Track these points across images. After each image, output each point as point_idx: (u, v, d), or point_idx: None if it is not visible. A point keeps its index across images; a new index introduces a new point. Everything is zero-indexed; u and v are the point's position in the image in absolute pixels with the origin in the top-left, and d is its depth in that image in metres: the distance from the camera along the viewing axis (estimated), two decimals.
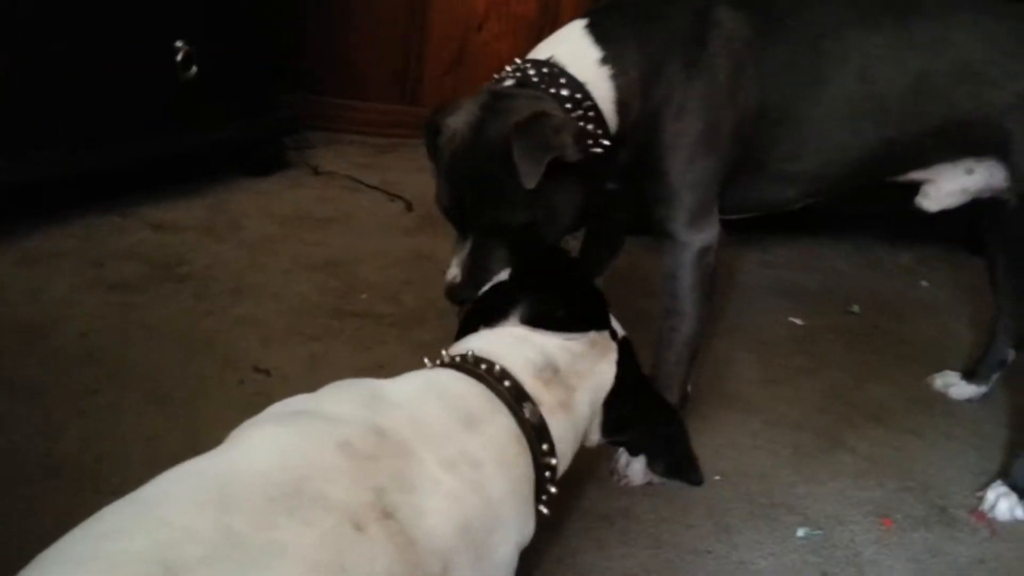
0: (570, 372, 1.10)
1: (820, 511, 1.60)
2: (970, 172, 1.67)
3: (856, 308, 2.39)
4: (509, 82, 1.47)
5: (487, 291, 1.25)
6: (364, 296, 2.09)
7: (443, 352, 1.10)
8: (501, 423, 0.99)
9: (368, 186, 2.69)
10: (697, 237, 1.58)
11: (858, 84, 1.55)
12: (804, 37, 1.56)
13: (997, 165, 1.63)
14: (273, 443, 0.83)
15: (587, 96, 1.45)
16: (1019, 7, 1.61)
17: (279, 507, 0.76)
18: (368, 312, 2.03)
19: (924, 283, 2.60)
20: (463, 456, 0.92)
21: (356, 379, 1.01)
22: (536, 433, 1.02)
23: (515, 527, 0.96)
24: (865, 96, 1.56)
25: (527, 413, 1.02)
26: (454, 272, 1.43)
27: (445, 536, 0.85)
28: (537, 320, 1.12)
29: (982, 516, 1.64)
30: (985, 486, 1.69)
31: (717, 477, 1.65)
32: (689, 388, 1.71)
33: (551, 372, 1.08)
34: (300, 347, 1.86)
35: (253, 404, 1.58)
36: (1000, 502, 1.64)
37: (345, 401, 0.94)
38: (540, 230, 1.40)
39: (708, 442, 1.73)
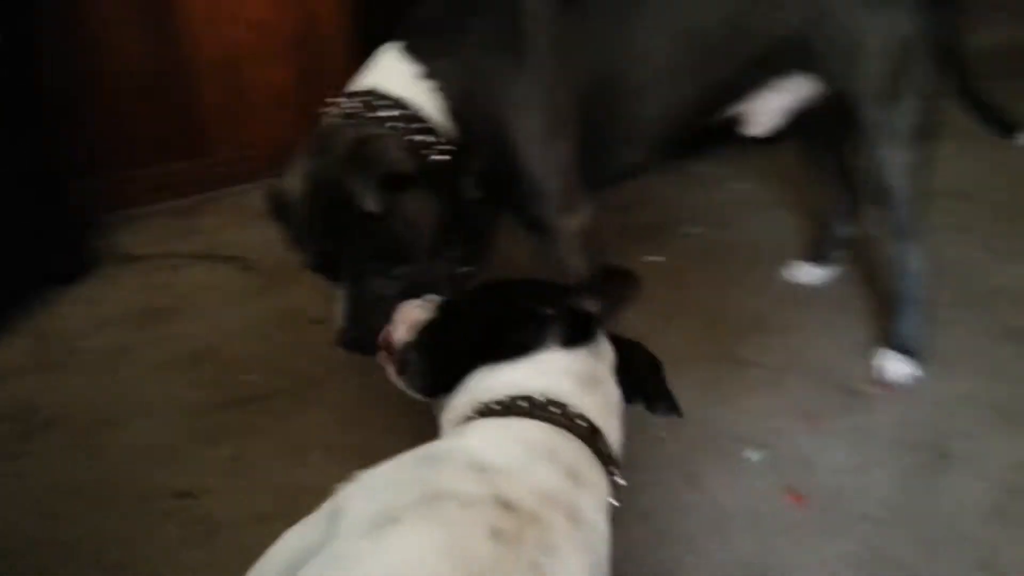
0: (599, 368, 1.14)
1: (757, 430, 1.73)
2: (780, 90, 1.82)
3: (693, 229, 2.55)
4: (331, 120, 1.49)
5: (480, 322, 1.20)
6: (250, 377, 1.99)
7: (491, 397, 1.09)
8: (595, 470, 1.04)
9: (194, 257, 2.53)
10: (572, 219, 1.64)
11: (676, 37, 1.66)
12: (614, 4, 1.63)
13: (801, 77, 1.78)
14: (430, 543, 0.86)
15: (411, 111, 1.47)
16: None
17: None
18: (261, 391, 1.95)
19: (731, 185, 2.79)
20: (578, 509, 0.97)
21: (423, 450, 1.02)
22: (608, 458, 1.07)
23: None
24: (685, 46, 1.66)
25: (601, 446, 1.06)
26: (339, 322, 1.47)
27: None
28: (574, 340, 1.12)
29: (883, 385, 1.83)
30: (872, 356, 1.88)
31: (663, 434, 1.74)
32: None
33: (593, 381, 1.12)
34: (210, 453, 1.77)
35: (196, 533, 1.51)
36: (890, 367, 1.85)
37: (454, 480, 0.94)
38: (408, 250, 1.44)
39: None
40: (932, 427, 1.71)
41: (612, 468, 1.08)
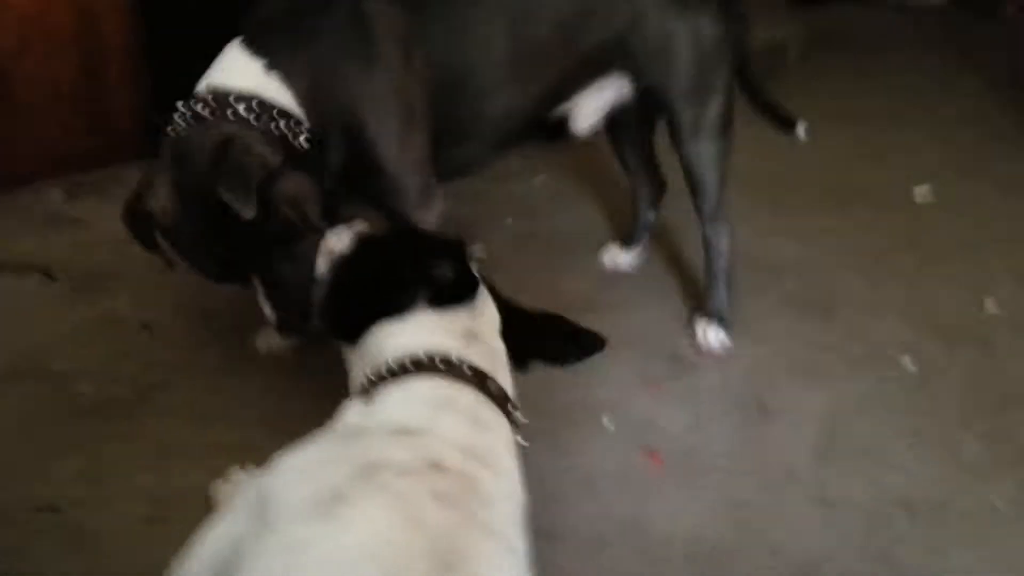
0: (479, 324, 1.22)
1: (606, 399, 1.90)
2: (601, 90, 1.99)
3: (510, 220, 2.69)
4: (180, 129, 1.48)
5: (356, 283, 1.27)
6: (83, 387, 1.88)
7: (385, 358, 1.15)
8: (492, 411, 1.13)
9: None
10: (429, 213, 1.73)
11: (512, 42, 1.78)
12: (451, 10, 1.73)
13: (620, 76, 1.97)
14: (384, 516, 0.91)
15: (265, 103, 1.49)
16: None
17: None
18: (101, 400, 1.85)
19: (539, 179, 2.97)
20: (494, 456, 1.07)
21: (339, 427, 1.07)
22: (504, 398, 1.16)
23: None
24: (520, 51, 1.79)
25: (492, 388, 1.15)
26: (268, 314, 1.52)
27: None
28: (444, 301, 1.20)
29: (704, 351, 2.06)
30: (691, 326, 2.12)
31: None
32: None
33: (471, 335, 1.19)
34: (62, 465, 1.67)
35: (73, 544, 1.44)
36: (708, 334, 2.09)
37: (383, 449, 0.99)
38: (298, 231, 1.48)
39: None
40: (749, 385, 1.96)
41: (510, 407, 1.17)
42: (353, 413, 1.10)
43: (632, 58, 1.90)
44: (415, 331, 1.17)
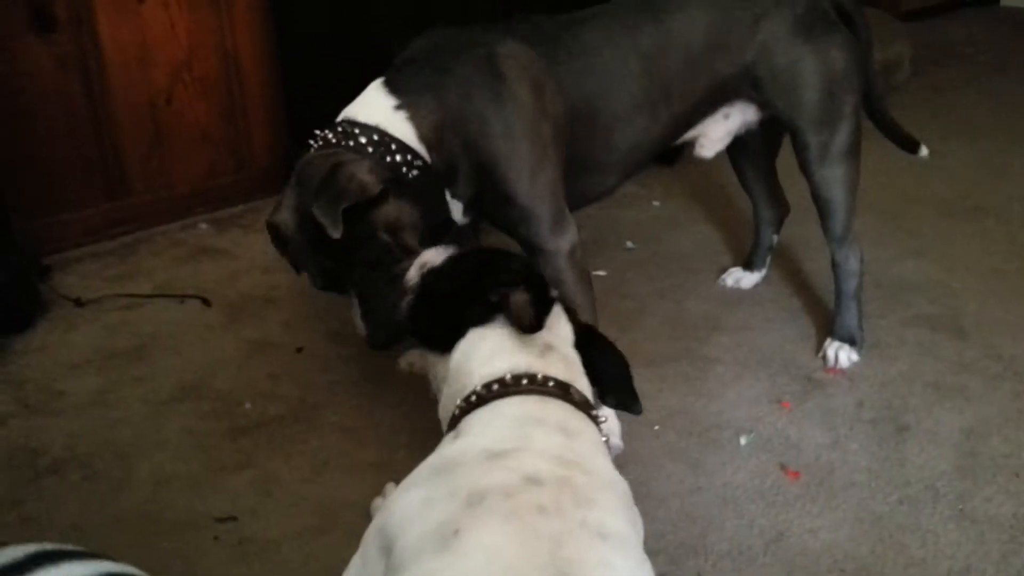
0: (551, 337, 1.27)
1: (740, 417, 1.95)
2: (727, 117, 2.05)
3: (630, 244, 2.76)
4: (311, 153, 1.65)
5: (442, 291, 1.35)
6: (248, 406, 2.03)
7: (473, 382, 1.21)
8: (579, 418, 1.17)
9: (147, 296, 2.51)
10: (563, 240, 1.81)
11: (643, 78, 1.85)
12: (585, 51, 1.83)
13: (746, 104, 2.02)
14: (500, 539, 0.96)
15: (385, 135, 1.63)
16: None
17: None
18: (265, 418, 1.99)
19: (656, 203, 3.04)
20: (584, 460, 1.10)
21: (435, 462, 1.12)
22: (586, 404, 1.21)
23: None
24: (650, 85, 1.86)
25: (575, 396, 1.19)
26: (360, 327, 1.67)
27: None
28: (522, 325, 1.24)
29: (834, 370, 2.09)
30: (820, 347, 2.14)
31: (656, 427, 1.92)
32: None
33: (547, 348, 1.25)
34: (234, 479, 1.80)
35: (246, 553, 1.56)
36: (839, 355, 2.11)
37: (482, 476, 1.04)
38: (396, 252, 1.62)
39: None
40: (885, 404, 1.98)
41: (592, 412, 1.20)
42: (448, 446, 1.15)
43: (760, 87, 1.96)
44: (497, 349, 1.23)
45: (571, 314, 1.34)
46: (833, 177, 2.02)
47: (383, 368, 2.10)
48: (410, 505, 1.05)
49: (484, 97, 1.69)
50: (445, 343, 1.29)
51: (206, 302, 2.47)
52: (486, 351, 1.24)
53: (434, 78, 1.69)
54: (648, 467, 1.81)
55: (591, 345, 1.32)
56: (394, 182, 1.61)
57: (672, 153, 2.10)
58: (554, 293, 1.31)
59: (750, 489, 1.75)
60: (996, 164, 3.20)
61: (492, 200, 1.76)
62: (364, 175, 1.56)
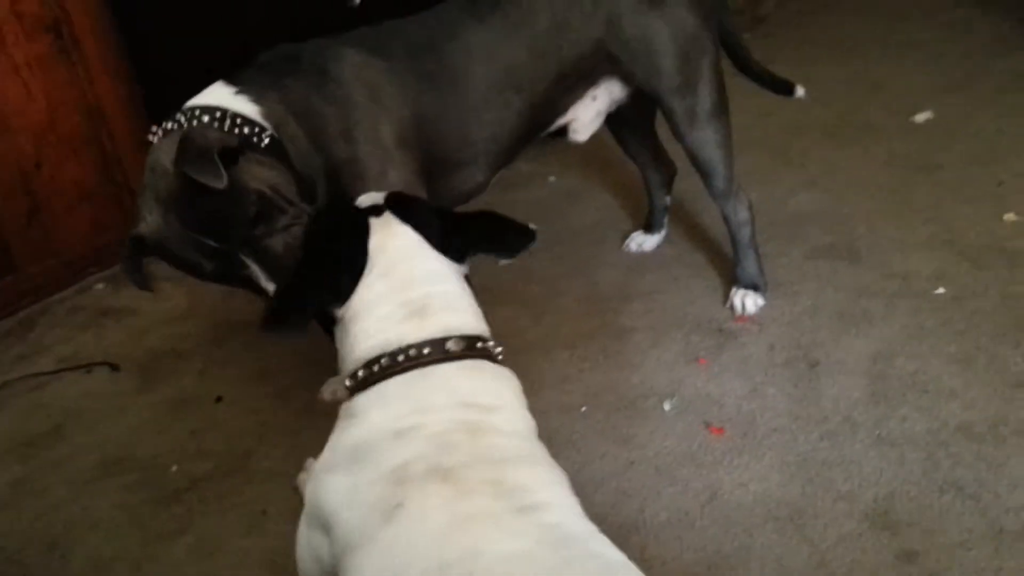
0: (418, 287, 1.22)
1: (662, 383, 1.99)
2: (595, 98, 2.07)
3: (532, 225, 2.76)
4: (153, 147, 1.57)
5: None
6: (175, 468, 2.00)
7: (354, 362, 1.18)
8: (467, 365, 1.18)
9: (53, 372, 2.44)
10: None
11: (488, 68, 1.85)
12: (427, 49, 1.82)
13: (609, 81, 2.03)
14: (441, 496, 1.01)
15: (228, 111, 1.58)
16: None
17: None
18: (194, 478, 1.96)
19: (552, 179, 3.05)
20: (486, 397, 1.15)
21: (345, 450, 1.13)
22: (472, 343, 1.20)
23: None
24: (498, 75, 1.86)
25: (454, 347, 1.17)
26: (272, 292, 1.51)
27: None
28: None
29: (743, 319, 2.14)
30: (727, 297, 2.19)
31: (584, 408, 1.95)
32: None
33: (421, 309, 1.20)
34: (176, 547, 1.78)
35: None
36: (746, 302, 2.16)
37: (395, 452, 1.07)
38: (275, 200, 1.51)
39: (552, 389, 2.01)
40: (795, 343, 2.04)
41: (481, 345, 1.19)
42: (351, 429, 1.14)
43: (616, 62, 1.97)
44: (366, 318, 1.19)
45: (423, 217, 1.26)
46: (705, 138, 2.05)
47: (307, 404, 2.08)
48: (337, 491, 1.09)
49: (320, 101, 1.68)
50: (342, 281, 1.22)
51: (114, 367, 2.41)
52: (359, 324, 1.19)
53: (274, 77, 1.68)
54: (582, 451, 1.84)
55: (456, 227, 1.27)
56: (247, 146, 1.54)
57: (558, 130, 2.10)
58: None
59: (680, 454, 1.79)
60: (870, 80, 3.29)
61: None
62: (215, 134, 1.51)
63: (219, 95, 1.63)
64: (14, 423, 2.26)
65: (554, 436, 1.86)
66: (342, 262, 1.22)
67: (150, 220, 1.50)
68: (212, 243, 1.48)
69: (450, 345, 1.17)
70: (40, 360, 2.51)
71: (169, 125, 1.59)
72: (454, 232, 1.27)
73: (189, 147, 1.43)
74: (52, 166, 2.82)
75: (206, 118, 1.56)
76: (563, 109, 2.03)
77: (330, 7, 2.66)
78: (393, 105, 1.75)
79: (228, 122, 1.56)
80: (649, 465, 1.77)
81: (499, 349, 1.22)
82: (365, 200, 1.31)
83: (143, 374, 2.36)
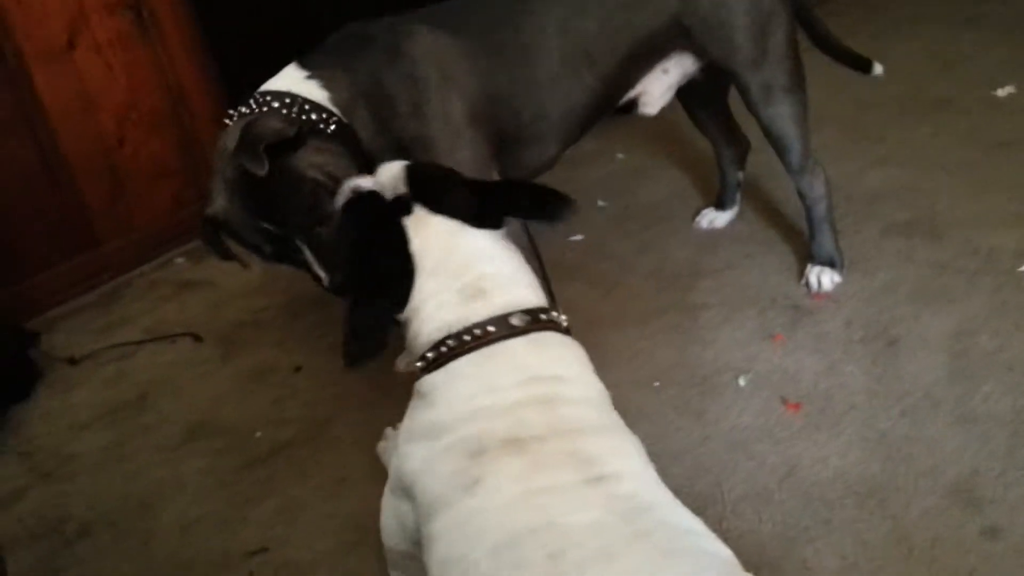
0: (473, 266, 1.24)
1: (736, 359, 1.99)
2: (666, 72, 2.06)
3: (601, 202, 2.78)
4: (225, 130, 1.65)
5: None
6: (259, 434, 2.06)
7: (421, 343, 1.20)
8: (534, 338, 1.19)
9: (138, 343, 2.52)
10: None
11: (561, 40, 1.86)
12: (497, 25, 1.84)
13: (682, 55, 2.02)
14: (518, 470, 1.04)
15: (298, 97, 1.64)
16: None
17: None
18: (278, 444, 2.02)
19: (620, 156, 3.05)
20: (555, 368, 1.18)
21: (419, 430, 1.17)
22: (536, 315, 1.22)
23: None
24: (571, 48, 1.87)
25: (518, 322, 1.19)
26: (324, 279, 1.62)
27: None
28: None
29: (819, 296, 2.13)
30: (802, 275, 2.17)
31: (656, 383, 1.95)
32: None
33: (477, 290, 1.22)
34: (258, 510, 1.84)
35: None
36: (822, 279, 2.14)
37: (469, 429, 1.10)
38: (332, 190, 1.54)
39: (624, 364, 2.02)
40: (873, 320, 2.01)
41: (545, 315, 1.19)
42: (423, 412, 1.17)
43: (691, 36, 1.96)
44: (430, 299, 1.20)
45: (458, 198, 1.27)
46: (781, 114, 2.03)
47: (383, 375, 2.12)
48: (417, 458, 1.14)
49: (391, 80, 1.72)
50: (396, 291, 1.22)
51: (197, 338, 2.49)
52: (420, 316, 1.21)
53: (344, 59, 1.73)
54: (656, 424, 1.85)
55: (490, 195, 1.28)
56: (312, 133, 1.61)
57: (626, 105, 2.10)
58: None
59: (756, 429, 1.79)
60: (943, 54, 3.21)
61: None
62: (276, 123, 1.57)
63: (291, 79, 1.68)
64: (101, 392, 2.35)
65: (627, 410, 1.81)
66: (392, 278, 1.23)
67: (218, 202, 1.60)
68: (270, 227, 1.57)
69: (514, 320, 1.18)
70: (124, 331, 2.60)
71: (243, 109, 1.65)
72: (488, 201, 1.27)
73: (245, 136, 1.51)
74: (134, 144, 2.90)
75: (276, 104, 1.63)
76: (634, 82, 2.03)
77: None
78: (464, 82, 1.77)
79: (296, 108, 1.62)
80: (725, 440, 1.78)
81: (564, 319, 1.24)
82: (385, 182, 1.29)
83: (224, 345, 2.43)
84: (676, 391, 1.93)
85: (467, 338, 1.17)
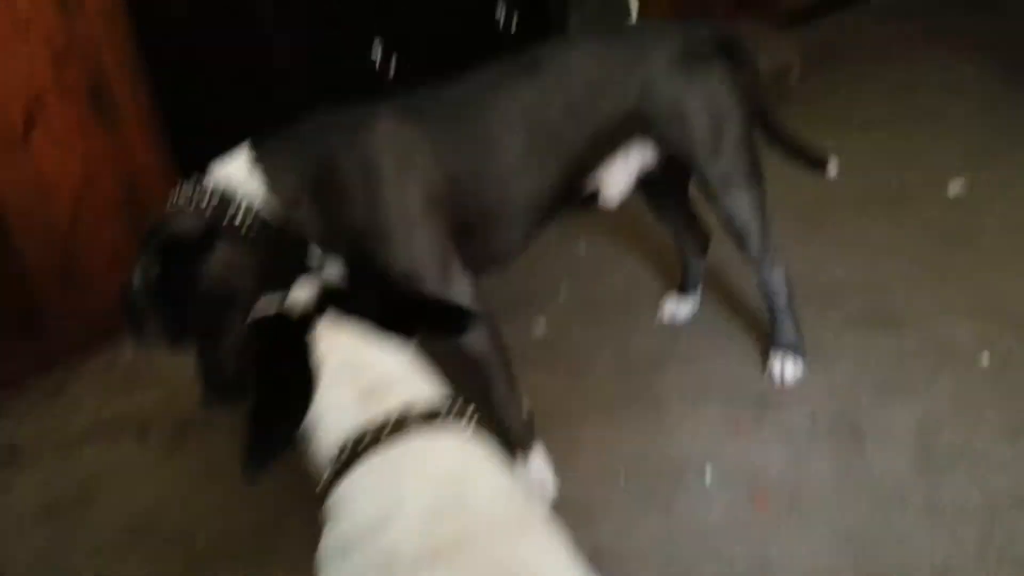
0: (368, 370, 1.22)
1: (702, 452, 1.94)
2: (626, 161, 2.06)
3: (564, 292, 2.76)
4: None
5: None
6: (201, 538, 1.96)
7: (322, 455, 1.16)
8: (431, 440, 1.14)
9: (82, 436, 2.41)
10: (453, 292, 1.77)
11: (526, 129, 1.86)
12: (462, 110, 1.84)
13: (642, 145, 2.03)
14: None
15: (232, 193, 1.64)
16: (619, 30, 2.02)
17: None
18: (221, 550, 1.92)
19: (582, 246, 3.05)
20: (463, 468, 1.12)
21: (335, 551, 1.09)
22: (433, 415, 1.17)
23: None
24: (536, 135, 1.87)
25: (412, 423, 1.14)
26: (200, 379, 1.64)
27: None
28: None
29: (784, 387, 2.10)
30: (765, 364, 2.15)
31: (621, 477, 1.90)
32: (526, 414, 1.91)
33: (372, 391, 1.19)
34: None
35: None
36: (784, 370, 2.12)
37: (384, 543, 1.02)
38: (229, 301, 1.60)
39: (589, 457, 1.96)
40: (838, 412, 1.99)
41: (442, 415, 1.14)
42: (331, 533, 1.11)
43: (650, 126, 1.97)
44: (324, 411, 1.17)
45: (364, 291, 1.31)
46: (739, 204, 2.03)
47: None
48: None
49: (346, 168, 1.70)
50: (295, 409, 1.19)
51: (143, 432, 2.39)
52: (319, 428, 1.17)
53: (299, 146, 1.72)
54: (622, 520, 1.79)
55: (400, 309, 1.30)
56: (228, 236, 1.61)
57: (588, 196, 2.10)
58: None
59: (725, 527, 1.73)
60: (899, 152, 3.29)
61: (370, 266, 1.75)
62: (186, 225, 1.59)
63: (236, 168, 1.68)
64: (40, 487, 2.23)
65: (592, 505, 1.82)
66: (291, 391, 1.19)
67: (134, 280, 1.60)
68: (170, 319, 1.59)
69: (412, 420, 1.13)
70: (68, 424, 2.49)
71: (185, 189, 1.66)
72: (398, 314, 1.29)
73: (152, 235, 1.57)
74: (87, 230, 2.84)
75: (208, 195, 1.63)
76: (597, 171, 2.03)
77: (364, 74, 2.71)
78: (425, 168, 1.76)
79: (224, 205, 1.62)
80: (694, 538, 1.72)
81: (469, 411, 1.19)
82: (296, 300, 1.29)
83: (171, 440, 2.34)
84: (642, 485, 1.88)
85: (366, 444, 1.11)
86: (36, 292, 2.75)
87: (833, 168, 2.15)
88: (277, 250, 1.67)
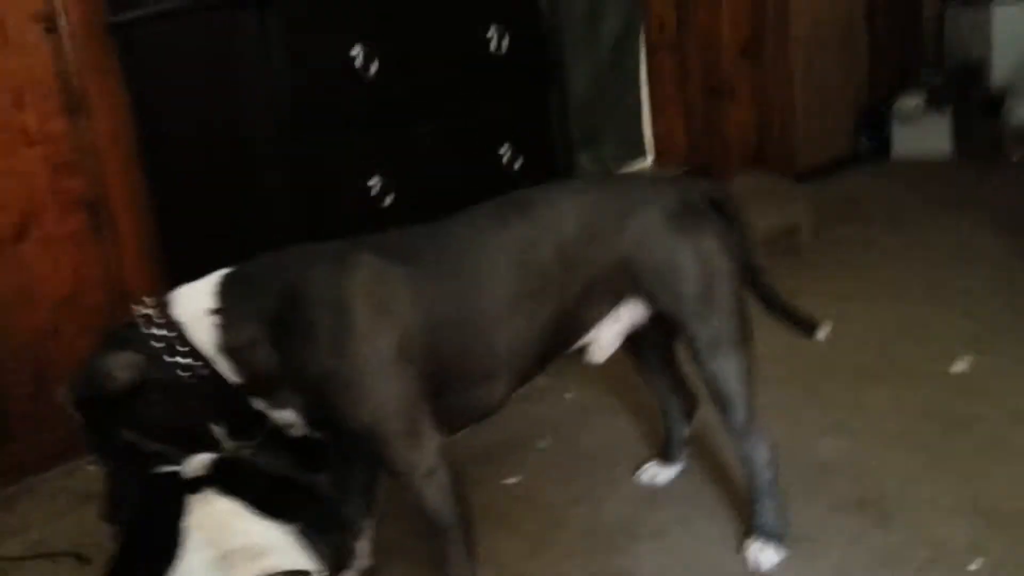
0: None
1: None
2: (617, 319, 1.99)
3: (542, 443, 2.65)
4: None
5: None
6: None
7: None
8: None
9: (15, 559, 2.30)
10: (416, 458, 1.70)
11: (512, 276, 1.80)
12: (449, 253, 1.78)
13: (632, 302, 1.97)
14: None
15: (181, 335, 1.60)
16: (614, 179, 2.00)
17: None
18: None
19: (568, 395, 2.95)
20: None
21: None
22: None
23: None
24: (522, 284, 1.81)
25: None
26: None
27: None
28: None
29: (758, 573, 1.96)
30: (740, 547, 2.01)
31: None
32: None
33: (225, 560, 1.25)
34: None
35: None
36: (760, 557, 1.98)
37: None
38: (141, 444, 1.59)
39: None
40: None
41: None
42: None
43: (639, 282, 1.92)
44: None
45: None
46: (725, 369, 1.95)
47: None
48: None
49: (316, 309, 1.63)
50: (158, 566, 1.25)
51: (83, 559, 2.27)
52: None
53: (271, 277, 1.66)
54: None
55: (286, 491, 1.36)
56: (159, 383, 1.58)
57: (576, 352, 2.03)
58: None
59: None
60: (907, 323, 3.20)
61: (331, 414, 1.67)
62: (118, 370, 1.55)
63: (197, 304, 1.63)
64: None
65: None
66: (152, 548, 1.25)
67: (69, 391, 1.61)
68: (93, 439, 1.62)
69: None
70: (10, 543, 2.38)
71: (148, 309, 1.63)
72: (282, 495, 1.32)
73: (83, 371, 1.58)
74: (66, 338, 2.80)
75: (159, 331, 1.60)
76: (587, 326, 1.97)
77: (359, 204, 2.69)
78: (403, 313, 1.69)
79: (170, 348, 1.60)
80: None
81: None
82: (193, 467, 1.34)
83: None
84: None
85: None
86: (8, 397, 2.69)
87: (823, 333, 2.06)
88: (213, 394, 1.62)
